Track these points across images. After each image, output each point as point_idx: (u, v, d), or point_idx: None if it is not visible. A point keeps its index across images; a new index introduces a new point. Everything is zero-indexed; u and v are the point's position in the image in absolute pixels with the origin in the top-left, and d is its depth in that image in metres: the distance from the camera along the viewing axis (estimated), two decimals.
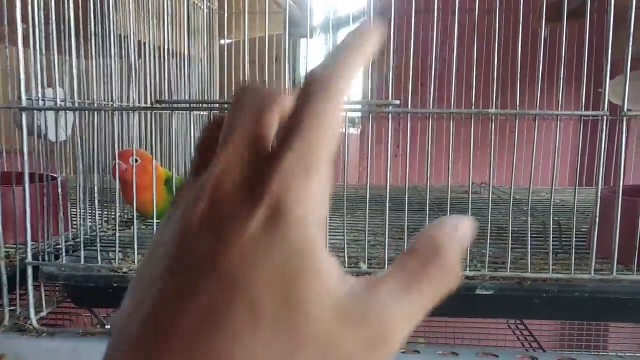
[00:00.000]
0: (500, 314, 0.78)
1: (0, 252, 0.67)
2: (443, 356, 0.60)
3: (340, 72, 0.17)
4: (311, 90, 0.16)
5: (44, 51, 0.69)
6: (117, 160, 0.77)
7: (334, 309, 0.15)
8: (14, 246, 0.72)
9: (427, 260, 0.16)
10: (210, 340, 0.14)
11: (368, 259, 0.65)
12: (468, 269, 0.60)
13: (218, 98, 1.39)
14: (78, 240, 0.73)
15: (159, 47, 1.03)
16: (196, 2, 1.28)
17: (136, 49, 0.85)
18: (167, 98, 0.94)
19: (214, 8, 1.41)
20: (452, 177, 0.66)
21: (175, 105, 0.66)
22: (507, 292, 0.59)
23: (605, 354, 0.59)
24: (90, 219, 0.82)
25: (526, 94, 0.62)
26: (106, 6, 0.84)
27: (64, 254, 0.70)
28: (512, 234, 0.60)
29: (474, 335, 1.22)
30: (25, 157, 0.67)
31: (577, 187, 0.59)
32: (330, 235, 0.66)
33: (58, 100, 0.70)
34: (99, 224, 0.83)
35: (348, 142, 0.71)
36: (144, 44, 0.99)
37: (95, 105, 0.73)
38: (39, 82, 0.70)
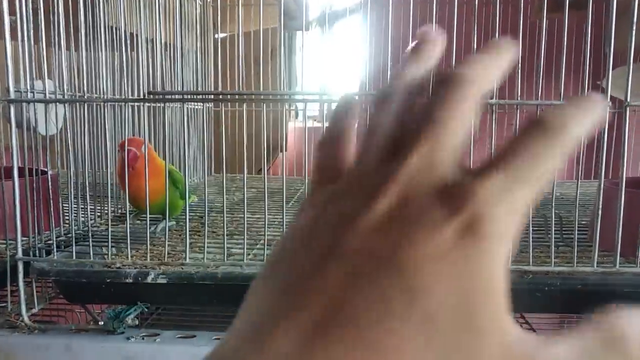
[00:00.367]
0: None
1: None
2: None
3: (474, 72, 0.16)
4: (539, 127, 0.15)
5: (32, 43, 0.67)
6: (130, 147, 0.75)
7: (506, 350, 0.14)
8: (4, 242, 0.70)
9: (608, 343, 0.15)
10: (378, 335, 0.13)
11: None
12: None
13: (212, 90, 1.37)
14: (70, 235, 0.72)
15: (152, 39, 1.01)
16: None
17: (128, 41, 0.83)
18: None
19: (208, 0, 1.39)
20: None
21: (168, 97, 0.65)
22: (508, 285, 0.58)
23: None
24: (82, 213, 0.81)
25: (524, 87, 0.61)
26: None
27: (54, 249, 0.68)
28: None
29: None
30: (14, 151, 0.65)
31: (579, 180, 0.58)
32: None
33: (47, 93, 0.68)
34: (91, 219, 0.82)
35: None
36: (136, 35, 0.97)
37: (86, 97, 0.71)
38: (28, 74, 0.68)
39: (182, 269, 0.65)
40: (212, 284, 0.62)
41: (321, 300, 0.14)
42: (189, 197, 0.84)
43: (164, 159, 0.88)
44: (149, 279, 0.63)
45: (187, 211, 0.68)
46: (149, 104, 0.98)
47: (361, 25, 1.59)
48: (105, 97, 0.80)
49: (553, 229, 0.59)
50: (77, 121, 0.80)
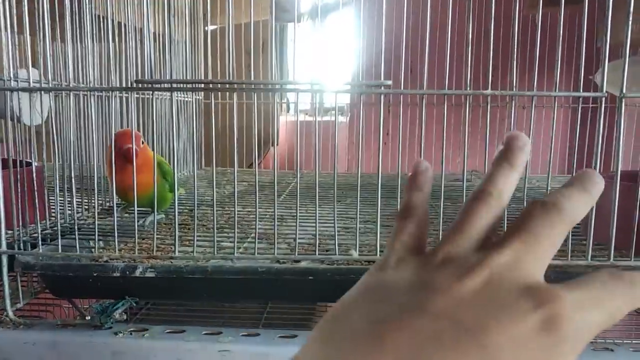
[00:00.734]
0: None
1: None
2: None
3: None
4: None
5: (16, 32, 0.65)
6: (129, 145, 0.73)
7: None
8: None
9: (614, 276, 0.19)
10: None
11: (359, 247, 0.63)
12: None
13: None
14: (56, 228, 0.70)
15: (140, 29, 0.99)
16: None
17: (115, 30, 0.81)
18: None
19: None
20: (447, 165, 0.64)
21: (157, 86, 0.63)
22: None
23: (603, 341, 0.58)
24: (68, 206, 0.79)
25: (516, 80, 0.60)
26: None
27: (40, 243, 0.67)
28: (506, 221, 0.58)
29: None
30: None
31: (574, 174, 0.58)
32: (320, 223, 0.64)
33: (31, 81, 0.67)
34: (77, 212, 0.80)
35: (341, 129, 0.68)
36: (123, 25, 0.95)
37: (72, 86, 0.69)
38: (11, 62, 0.66)
39: (171, 262, 0.64)
40: (202, 277, 0.61)
41: (399, 351, 0.16)
42: (177, 190, 0.83)
43: (153, 150, 0.86)
44: (137, 273, 0.62)
45: (177, 204, 0.66)
46: (137, 95, 0.96)
47: (353, 17, 1.58)
48: (91, 86, 0.78)
49: None
50: (63, 111, 0.78)
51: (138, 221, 0.70)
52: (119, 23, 0.90)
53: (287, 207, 0.99)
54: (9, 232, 0.67)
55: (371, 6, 0.94)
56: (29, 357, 0.63)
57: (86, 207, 0.89)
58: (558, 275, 0.57)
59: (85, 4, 0.78)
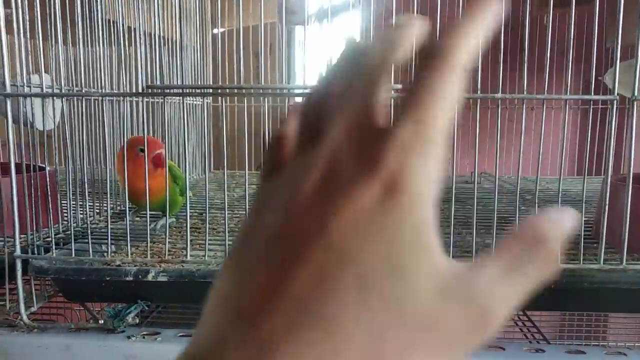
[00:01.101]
0: None
1: None
2: None
3: (460, 42, 0.17)
4: (430, 61, 0.16)
5: (28, 37, 0.66)
6: (159, 150, 0.74)
7: (440, 286, 0.15)
8: (2, 239, 0.69)
9: (530, 245, 0.16)
10: (318, 307, 0.14)
11: None
12: (473, 259, 0.59)
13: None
14: (68, 232, 0.71)
15: (150, 33, 1.00)
16: None
17: (125, 35, 0.82)
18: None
19: None
20: (454, 167, 0.64)
21: (168, 91, 0.64)
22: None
23: (614, 344, 0.58)
24: (80, 210, 0.80)
25: (524, 82, 0.60)
26: None
27: (53, 247, 0.67)
28: (517, 223, 0.58)
29: None
30: (11, 146, 0.64)
31: (585, 176, 0.58)
32: None
33: (44, 87, 0.67)
34: (90, 216, 0.81)
35: None
36: (134, 29, 0.96)
37: (84, 91, 0.70)
38: (24, 67, 0.67)
39: (183, 266, 0.64)
40: (214, 281, 0.61)
41: (262, 281, 0.15)
42: (183, 194, 0.83)
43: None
44: (150, 277, 0.62)
45: (188, 208, 0.67)
46: (147, 99, 0.96)
47: (361, 19, 1.58)
48: (103, 91, 0.79)
49: None
50: (75, 116, 0.79)
51: (149, 225, 0.70)
52: (129, 27, 0.91)
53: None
54: (22, 236, 0.67)
55: (379, 8, 0.94)
56: None
57: (97, 211, 0.90)
58: (570, 279, 0.57)
59: (97, 9, 0.79)
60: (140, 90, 0.72)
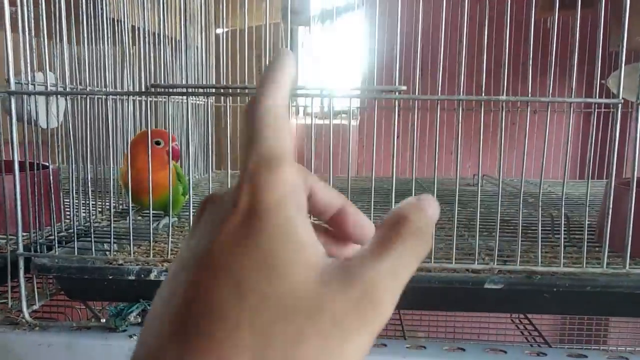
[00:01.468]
0: (509, 309, 0.77)
1: None
2: (449, 352, 0.59)
3: (267, 90, 0.20)
4: (250, 112, 0.20)
5: (33, 35, 0.66)
6: (173, 143, 0.75)
7: (319, 273, 0.16)
8: (4, 237, 0.69)
9: (395, 223, 0.18)
10: (204, 321, 0.15)
11: None
12: (476, 262, 0.59)
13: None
14: (71, 231, 0.71)
15: (154, 33, 1.00)
16: None
17: (129, 34, 0.82)
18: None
19: None
20: (453, 170, 0.64)
21: (171, 90, 0.64)
22: (516, 286, 0.57)
23: (615, 348, 0.58)
24: (83, 209, 0.80)
25: (528, 86, 0.60)
26: None
27: (56, 245, 0.67)
28: (518, 227, 0.58)
29: (474, 330, 1.21)
30: (15, 144, 0.64)
31: (589, 179, 0.58)
32: None
33: (48, 85, 0.67)
34: (92, 215, 0.81)
35: (350, 133, 0.69)
36: (138, 28, 0.96)
37: (88, 90, 0.70)
38: (28, 66, 0.67)
39: None
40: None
41: (167, 302, 0.17)
42: (186, 193, 0.83)
43: None
44: (152, 276, 0.62)
45: (191, 207, 0.67)
46: (150, 98, 0.96)
47: (365, 20, 1.58)
48: (107, 89, 0.79)
49: (562, 229, 0.58)
50: (78, 115, 0.79)
51: (152, 224, 0.70)
52: (133, 27, 0.91)
53: None
54: (25, 234, 0.67)
55: (383, 10, 0.94)
56: (43, 359, 0.63)
57: (99, 209, 0.90)
58: (573, 282, 0.57)
59: (102, 8, 0.79)
60: (144, 89, 0.72)
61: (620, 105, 0.56)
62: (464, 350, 0.58)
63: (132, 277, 0.63)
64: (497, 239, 0.57)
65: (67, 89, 0.70)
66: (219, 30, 1.47)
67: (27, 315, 0.65)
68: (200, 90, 1.05)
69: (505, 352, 0.57)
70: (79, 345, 0.63)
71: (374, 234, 0.19)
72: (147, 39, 0.90)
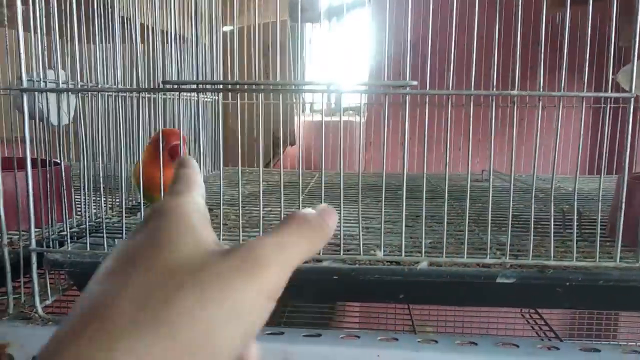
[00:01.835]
0: (521, 303, 0.77)
1: (2, 238, 0.65)
2: (461, 346, 0.59)
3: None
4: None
5: (44, 34, 0.66)
6: (177, 142, 0.76)
7: (209, 250, 0.18)
8: (17, 233, 0.69)
9: (290, 216, 0.21)
10: (94, 300, 0.18)
11: (376, 247, 0.64)
12: (488, 256, 0.59)
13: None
14: (83, 226, 0.71)
15: (162, 31, 1.00)
16: None
17: (138, 32, 0.82)
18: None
19: None
20: (461, 166, 0.64)
21: (183, 87, 0.64)
22: (528, 280, 0.57)
23: (625, 343, 0.58)
24: (94, 205, 0.80)
25: (540, 80, 0.60)
26: None
27: (68, 240, 0.68)
28: (527, 221, 0.58)
29: (482, 324, 1.21)
30: (27, 140, 0.65)
31: (602, 174, 0.57)
32: (343, 224, 0.64)
33: (60, 82, 0.68)
34: (103, 211, 0.81)
35: (362, 129, 0.69)
36: (147, 26, 0.96)
37: (99, 87, 0.70)
38: (40, 63, 0.67)
39: None
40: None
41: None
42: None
43: None
44: None
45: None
46: (162, 94, 0.97)
47: (374, 15, 1.58)
48: (118, 86, 0.80)
49: (575, 223, 0.58)
50: (89, 112, 0.80)
51: None
52: (142, 25, 0.91)
53: (306, 207, 1.00)
54: (37, 230, 0.68)
55: (392, 5, 0.94)
56: None
57: (110, 206, 0.91)
58: (586, 276, 0.57)
59: (112, 6, 0.79)
60: (154, 86, 0.72)
61: (632, 100, 0.56)
62: (476, 344, 0.58)
63: None
64: (509, 233, 0.57)
65: (78, 86, 0.70)
66: (226, 29, 1.47)
67: (40, 310, 0.66)
68: (212, 86, 1.05)
69: (518, 346, 0.57)
70: None
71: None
72: (155, 37, 0.90)
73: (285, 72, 1.38)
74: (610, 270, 0.56)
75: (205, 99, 1.28)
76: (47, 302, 0.69)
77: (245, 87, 0.63)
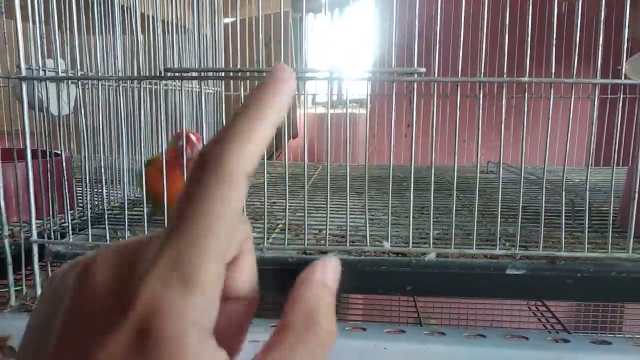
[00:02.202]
0: (530, 295, 0.76)
1: (3, 229, 0.64)
2: (469, 338, 0.58)
3: (236, 146, 0.15)
4: (199, 175, 0.15)
5: (42, 22, 0.65)
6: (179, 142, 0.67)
7: None
8: (18, 224, 0.68)
9: (303, 331, 0.16)
10: None
11: (382, 238, 0.63)
12: (497, 247, 0.58)
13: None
14: (84, 218, 0.70)
15: (163, 20, 0.99)
16: None
17: (139, 21, 0.81)
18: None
19: None
20: (465, 157, 0.63)
21: (185, 74, 0.62)
22: (538, 271, 0.56)
23: (631, 335, 0.57)
24: (96, 197, 0.79)
25: (552, 68, 0.59)
26: None
27: (70, 232, 0.67)
28: (536, 212, 0.57)
29: (487, 317, 1.20)
30: (27, 130, 0.63)
31: (614, 165, 0.56)
32: (344, 215, 0.63)
33: (59, 71, 0.66)
34: (105, 202, 0.80)
35: (368, 120, 0.67)
36: (147, 16, 0.95)
37: (100, 75, 0.69)
38: (39, 52, 0.66)
39: None
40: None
41: None
42: None
43: None
44: None
45: None
46: (164, 82, 0.95)
47: (374, 4, 1.56)
48: (118, 75, 0.78)
49: (587, 214, 0.57)
50: (89, 103, 0.78)
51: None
52: (142, 14, 0.90)
53: (310, 198, 0.99)
54: (38, 221, 0.67)
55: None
56: None
57: (111, 197, 0.90)
58: (598, 267, 0.56)
59: None
60: (157, 74, 0.71)
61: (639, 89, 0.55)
62: (484, 336, 0.57)
63: None
64: (519, 224, 0.56)
65: (78, 75, 0.69)
66: (227, 20, 1.45)
67: None
68: (215, 73, 1.04)
69: (527, 338, 0.56)
70: None
71: (279, 333, 0.16)
72: (156, 26, 0.89)
73: (288, 63, 1.36)
74: (623, 261, 0.55)
75: (208, 90, 1.26)
76: None
77: (248, 74, 0.62)
